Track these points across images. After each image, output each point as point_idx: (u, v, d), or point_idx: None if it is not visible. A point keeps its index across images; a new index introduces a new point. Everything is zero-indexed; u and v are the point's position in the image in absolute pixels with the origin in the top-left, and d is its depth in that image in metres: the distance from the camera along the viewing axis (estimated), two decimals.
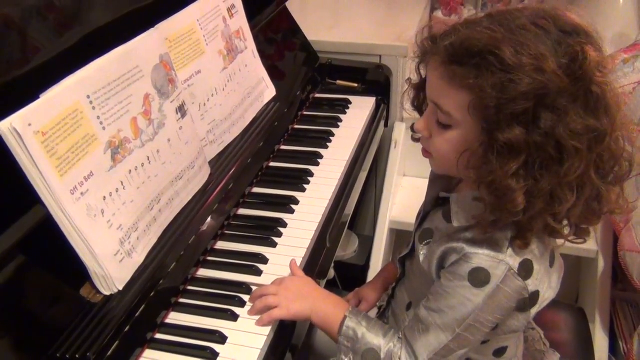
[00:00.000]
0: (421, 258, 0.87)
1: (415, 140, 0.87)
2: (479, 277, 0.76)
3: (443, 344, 0.80)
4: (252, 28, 1.32)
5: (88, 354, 0.75)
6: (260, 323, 0.90)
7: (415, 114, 0.89)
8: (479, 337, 0.80)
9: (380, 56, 1.64)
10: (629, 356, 1.20)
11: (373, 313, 1.13)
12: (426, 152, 0.83)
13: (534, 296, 0.79)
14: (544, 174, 0.69)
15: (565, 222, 0.76)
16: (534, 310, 0.81)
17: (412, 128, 0.86)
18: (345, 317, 0.88)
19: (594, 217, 0.76)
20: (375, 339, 0.85)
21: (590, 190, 0.72)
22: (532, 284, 0.78)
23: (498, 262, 0.76)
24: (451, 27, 0.75)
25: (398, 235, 1.78)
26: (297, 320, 0.93)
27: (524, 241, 0.75)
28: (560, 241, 0.80)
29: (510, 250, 0.76)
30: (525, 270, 0.77)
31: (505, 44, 0.67)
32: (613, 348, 1.46)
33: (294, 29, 1.58)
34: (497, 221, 0.73)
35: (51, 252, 0.79)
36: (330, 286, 1.58)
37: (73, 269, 0.80)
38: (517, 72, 0.66)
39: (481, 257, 0.76)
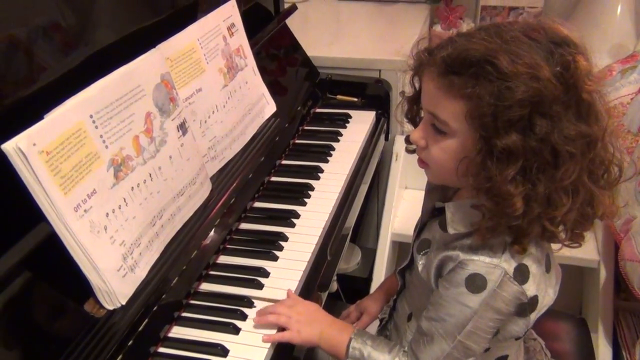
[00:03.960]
0: (420, 268, 0.88)
1: (409, 152, 0.89)
2: (475, 283, 0.77)
3: (446, 352, 0.81)
4: (253, 45, 1.34)
5: None
6: (269, 340, 0.91)
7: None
8: (482, 344, 0.80)
9: (380, 70, 1.66)
10: None
11: (375, 325, 1.14)
12: (422, 163, 0.84)
13: (533, 301, 0.80)
14: (541, 179, 0.71)
15: (561, 227, 0.77)
16: (533, 316, 0.82)
17: (406, 140, 0.87)
18: (350, 339, 0.89)
19: (587, 222, 0.78)
20: (382, 356, 0.86)
21: (584, 194, 0.74)
22: (530, 289, 0.79)
23: (493, 267, 0.77)
24: (446, 39, 0.77)
25: (400, 247, 1.78)
26: (305, 346, 0.94)
27: (522, 246, 0.76)
28: (556, 246, 0.82)
29: (505, 255, 0.77)
30: (521, 274, 0.78)
31: (501, 53, 0.70)
32: (616, 358, 1.45)
33: (294, 45, 1.61)
34: (495, 227, 0.75)
35: (56, 268, 0.80)
36: (334, 299, 1.59)
37: (77, 285, 0.81)
38: (513, 80, 0.69)
39: (477, 263, 0.78)
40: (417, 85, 0.85)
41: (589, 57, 0.74)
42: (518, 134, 0.70)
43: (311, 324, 0.93)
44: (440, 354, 0.81)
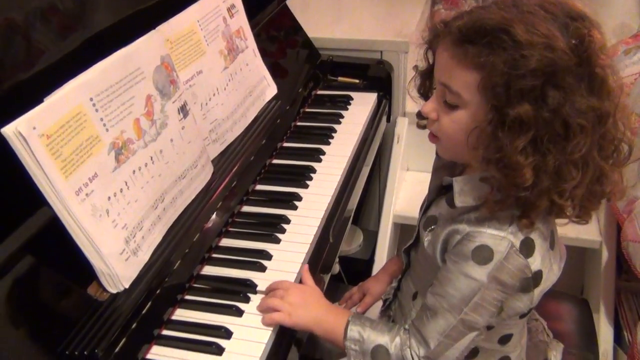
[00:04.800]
0: (426, 244, 0.89)
1: (420, 127, 0.88)
2: (482, 255, 0.78)
3: (452, 325, 0.81)
4: (253, 26, 1.33)
5: (96, 351, 0.76)
6: (262, 321, 0.91)
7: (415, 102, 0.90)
8: (486, 317, 0.81)
9: (381, 52, 1.64)
10: (633, 346, 1.21)
11: (378, 306, 1.15)
12: (433, 137, 0.84)
13: (537, 276, 0.80)
14: (551, 150, 0.72)
15: (569, 202, 0.77)
16: (537, 292, 0.82)
17: (418, 114, 0.87)
18: (348, 322, 0.89)
19: (595, 199, 0.78)
20: (381, 336, 0.87)
21: (594, 170, 0.75)
22: (534, 263, 0.79)
23: (500, 238, 0.77)
24: (462, 11, 0.77)
25: (402, 229, 1.79)
26: (297, 329, 0.93)
27: (529, 220, 0.77)
28: (562, 221, 0.82)
29: (512, 228, 0.78)
30: (527, 248, 0.78)
31: (516, 22, 0.70)
32: (618, 338, 1.46)
33: (295, 27, 1.59)
34: (503, 199, 0.75)
35: (59, 252, 0.81)
36: (336, 281, 1.59)
37: (80, 268, 0.82)
38: (528, 49, 0.69)
39: (484, 234, 0.78)
40: (430, 59, 0.84)
41: (602, 33, 0.74)
42: (530, 104, 0.70)
43: (305, 307, 0.92)
44: (445, 328, 0.81)
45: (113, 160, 0.85)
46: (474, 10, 0.75)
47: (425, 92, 0.89)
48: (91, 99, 0.82)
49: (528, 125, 0.71)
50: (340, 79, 1.62)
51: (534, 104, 0.70)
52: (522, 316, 0.88)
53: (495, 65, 0.71)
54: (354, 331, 0.87)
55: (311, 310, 0.92)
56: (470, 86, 0.74)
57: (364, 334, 0.87)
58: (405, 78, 1.64)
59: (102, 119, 0.84)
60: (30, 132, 0.72)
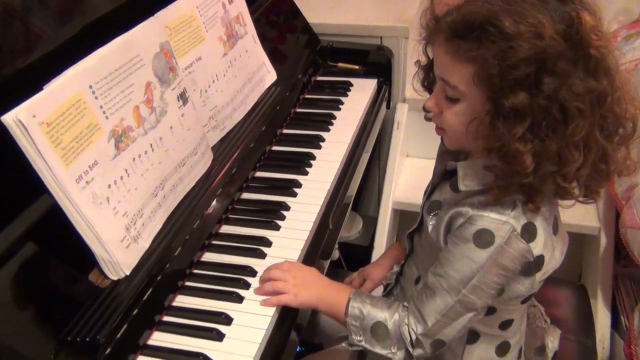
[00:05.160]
0: (430, 228, 0.90)
1: (427, 119, 0.90)
2: (483, 238, 0.79)
3: (449, 305, 0.82)
4: (252, 12, 1.32)
5: (98, 337, 0.77)
6: (266, 304, 0.92)
7: (419, 97, 0.91)
8: (484, 299, 0.82)
9: (381, 37, 1.63)
10: (630, 331, 1.22)
11: (379, 291, 1.16)
12: (439, 129, 0.85)
13: (539, 260, 0.81)
14: (550, 136, 0.72)
15: (574, 184, 0.78)
16: (539, 276, 0.83)
17: (423, 107, 0.88)
18: (349, 299, 0.90)
19: (601, 177, 0.79)
20: (381, 313, 0.88)
21: (597, 150, 0.75)
22: (536, 248, 0.80)
23: (502, 223, 0.78)
24: (452, 7, 0.78)
25: (402, 216, 1.79)
26: (303, 308, 0.96)
27: (535, 205, 0.78)
28: (567, 203, 0.83)
29: (514, 212, 0.78)
30: (529, 232, 0.79)
31: (503, 14, 0.71)
32: (615, 323, 1.47)
33: (294, 12, 1.58)
34: (507, 186, 0.76)
35: (60, 240, 0.81)
36: (335, 267, 1.60)
37: (81, 255, 0.82)
38: (516, 40, 0.70)
39: (486, 219, 0.79)
40: (430, 54, 0.86)
41: (594, 12, 0.74)
42: (525, 93, 0.71)
43: (308, 287, 0.94)
44: (443, 307, 0.83)
45: (113, 147, 0.85)
46: (463, 6, 0.76)
47: (429, 85, 0.91)
48: (90, 87, 0.82)
49: (524, 113, 0.71)
50: (340, 65, 1.61)
51: (529, 92, 0.71)
52: (524, 301, 0.89)
53: (486, 58, 0.71)
54: (354, 308, 0.89)
55: (314, 288, 0.94)
56: (466, 79, 0.75)
57: (364, 310, 0.89)
58: (406, 64, 1.63)
59: (101, 107, 0.84)
60: (30, 120, 0.73)
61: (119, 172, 0.86)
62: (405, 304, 0.88)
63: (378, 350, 0.88)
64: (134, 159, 0.89)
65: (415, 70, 0.93)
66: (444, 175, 0.92)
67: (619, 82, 0.75)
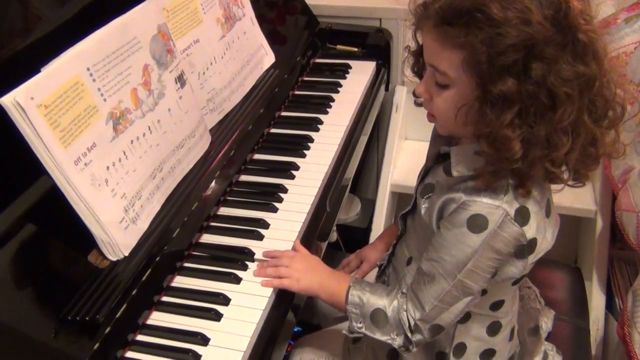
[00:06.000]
0: (422, 211, 0.90)
1: (417, 104, 0.90)
2: (476, 223, 0.79)
3: (446, 290, 0.83)
4: None
5: (97, 316, 0.78)
6: (268, 285, 0.94)
7: (416, 79, 0.91)
8: (480, 283, 0.83)
9: (380, 19, 1.63)
10: (624, 312, 1.23)
11: (374, 272, 1.17)
12: (431, 116, 0.86)
13: (532, 243, 0.82)
14: (539, 121, 0.73)
15: (563, 168, 0.79)
16: (531, 258, 0.84)
17: (413, 93, 0.88)
18: (349, 287, 0.92)
19: (591, 160, 0.80)
20: (380, 300, 0.89)
21: (585, 134, 0.76)
22: (529, 231, 0.80)
23: (495, 208, 0.79)
24: None
25: (400, 198, 1.80)
26: (304, 294, 0.98)
27: (526, 189, 0.78)
28: (558, 187, 0.83)
29: (507, 197, 0.79)
30: (522, 216, 0.80)
31: (491, 0, 0.70)
32: (610, 305, 1.49)
33: None
34: (497, 171, 0.77)
35: (59, 221, 0.82)
36: (333, 249, 1.62)
37: (80, 237, 0.83)
38: (504, 26, 0.70)
39: (479, 204, 0.79)
40: (419, 39, 0.85)
41: None
42: (513, 79, 0.71)
43: (310, 274, 0.96)
44: (440, 292, 0.84)
45: (111, 130, 0.86)
46: None
47: (419, 71, 0.91)
48: (88, 69, 0.82)
49: (512, 99, 0.72)
50: (338, 47, 1.61)
51: (517, 78, 0.71)
52: (515, 283, 0.90)
53: (474, 45, 0.71)
54: (354, 296, 0.90)
55: (315, 275, 0.96)
56: (455, 65, 0.75)
57: (364, 298, 0.90)
58: (405, 49, 1.63)
59: (99, 89, 0.84)
60: (28, 102, 0.73)
61: (117, 154, 0.87)
62: (404, 290, 0.90)
63: (378, 336, 0.89)
64: (132, 141, 0.89)
65: (406, 56, 0.93)
66: (438, 159, 0.92)
67: (608, 65, 0.75)
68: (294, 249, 1.01)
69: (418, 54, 0.89)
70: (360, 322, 0.90)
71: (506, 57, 0.70)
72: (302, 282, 0.94)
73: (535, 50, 0.70)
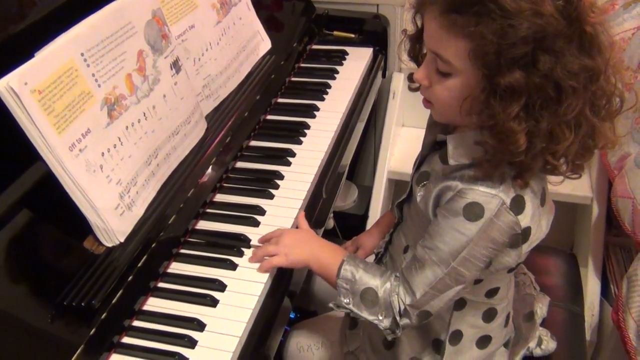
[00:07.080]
0: (418, 199, 0.90)
1: (412, 90, 0.88)
2: (473, 211, 0.79)
3: (439, 277, 0.83)
4: None
5: (93, 302, 0.78)
6: (260, 270, 0.94)
7: (412, 65, 0.90)
8: (474, 272, 0.83)
9: (378, 5, 1.62)
10: (618, 298, 1.24)
11: (370, 260, 1.17)
12: (427, 102, 0.84)
13: (526, 232, 0.82)
14: (544, 114, 0.72)
15: (562, 160, 0.78)
16: (525, 247, 0.84)
17: (409, 78, 0.87)
18: (343, 261, 0.91)
19: (587, 153, 0.79)
20: (373, 280, 0.89)
21: (586, 127, 0.75)
22: (524, 220, 0.80)
23: (492, 196, 0.78)
24: None
25: (397, 185, 1.80)
26: (296, 268, 0.97)
27: (524, 180, 0.78)
28: (555, 178, 0.83)
29: (503, 186, 0.79)
30: (517, 205, 0.79)
31: None
32: (605, 292, 1.50)
33: None
34: (497, 161, 0.76)
35: (55, 207, 0.82)
36: (330, 236, 1.62)
37: (76, 223, 0.83)
38: (516, 17, 0.68)
39: (475, 192, 0.79)
40: (419, 23, 0.83)
41: None
42: (521, 72, 0.70)
43: (300, 246, 0.95)
44: (432, 279, 0.83)
45: (106, 116, 0.85)
46: None
47: (415, 56, 0.89)
48: (82, 54, 0.82)
49: (520, 92, 0.70)
50: (335, 33, 1.60)
51: (525, 71, 0.70)
52: (510, 271, 0.90)
53: (484, 35, 0.69)
54: (347, 271, 0.90)
55: (306, 246, 0.95)
56: (461, 55, 0.73)
57: (357, 274, 0.89)
58: (401, 33, 1.62)
59: (93, 75, 0.83)
60: (21, 87, 0.73)
61: (112, 140, 0.86)
62: (397, 273, 0.90)
63: (365, 315, 0.89)
64: (127, 127, 0.89)
65: (402, 39, 0.90)
66: (434, 147, 0.92)
67: (611, 58, 0.74)
68: (297, 225, 1.01)
69: (416, 39, 0.87)
70: (348, 298, 0.89)
71: (516, 49, 0.69)
72: (291, 255, 0.93)
73: (544, 43, 0.69)
